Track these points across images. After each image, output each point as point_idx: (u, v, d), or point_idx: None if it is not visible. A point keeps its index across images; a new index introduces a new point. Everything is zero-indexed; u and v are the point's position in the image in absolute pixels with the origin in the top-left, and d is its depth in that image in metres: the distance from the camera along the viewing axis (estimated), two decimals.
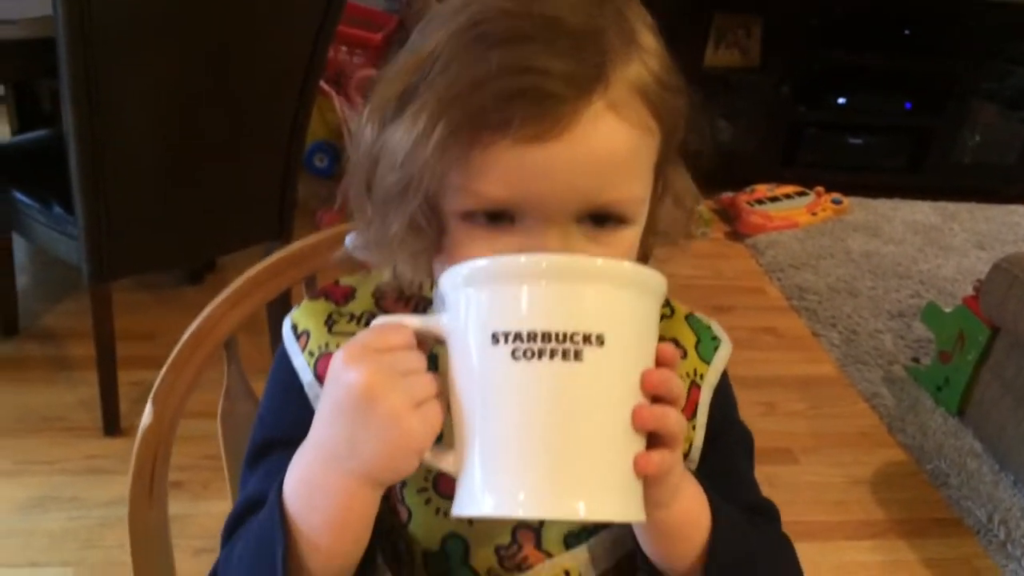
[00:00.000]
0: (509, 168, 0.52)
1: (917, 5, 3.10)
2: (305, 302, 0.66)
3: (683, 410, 0.59)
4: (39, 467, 1.71)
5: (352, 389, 0.49)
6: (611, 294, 0.48)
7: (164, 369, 0.63)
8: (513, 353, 0.47)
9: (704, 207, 2.86)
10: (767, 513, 0.68)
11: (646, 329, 0.51)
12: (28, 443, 1.76)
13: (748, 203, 2.97)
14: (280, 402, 0.64)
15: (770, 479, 1.93)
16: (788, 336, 2.44)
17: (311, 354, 0.63)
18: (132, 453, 0.67)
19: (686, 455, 0.63)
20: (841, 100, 3.16)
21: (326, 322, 0.63)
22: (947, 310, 2.16)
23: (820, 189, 3.11)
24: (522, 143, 0.51)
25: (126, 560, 0.82)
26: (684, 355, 0.66)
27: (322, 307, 0.65)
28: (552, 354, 0.47)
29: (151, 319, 2.04)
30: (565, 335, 0.47)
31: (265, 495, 0.55)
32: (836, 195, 3.11)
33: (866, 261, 2.79)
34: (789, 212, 2.98)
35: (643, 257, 0.65)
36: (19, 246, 2.00)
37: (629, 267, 0.50)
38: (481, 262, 0.49)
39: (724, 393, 0.67)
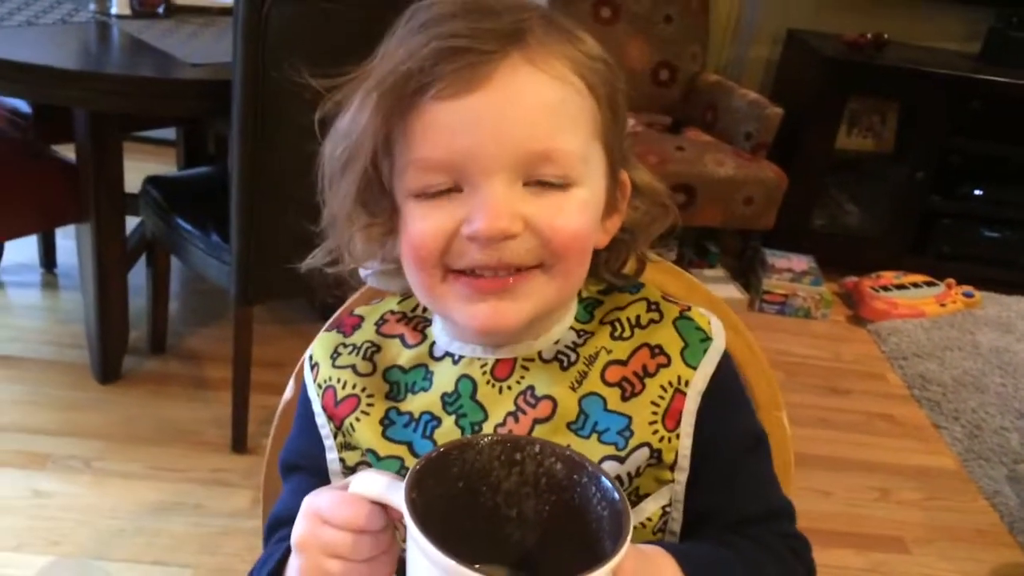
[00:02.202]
0: (439, 126, 0.57)
1: None
2: (322, 333, 0.72)
3: (666, 421, 0.62)
4: (170, 474, 1.84)
5: (293, 537, 0.56)
6: None
7: (305, 355, 0.71)
8: None
9: (825, 289, 2.84)
10: (780, 516, 0.68)
11: None
12: (163, 451, 1.89)
13: (873, 288, 2.92)
14: (299, 430, 0.71)
15: (879, 566, 1.87)
16: (907, 425, 2.37)
17: (319, 386, 0.68)
18: (273, 425, 0.76)
19: (673, 465, 0.64)
20: (978, 192, 3.08)
21: (332, 355, 0.69)
22: None
23: (951, 281, 3.03)
24: (447, 99, 0.56)
25: (241, 568, 0.89)
26: (668, 362, 0.65)
27: (332, 339, 0.70)
28: None
29: (284, 350, 2.17)
30: None
31: (291, 514, 0.60)
32: (968, 288, 3.02)
33: (996, 357, 2.69)
34: (916, 301, 2.91)
35: (635, 266, 0.69)
36: (172, 276, 2.18)
37: None
38: (425, 542, 0.47)
39: (720, 397, 0.65)
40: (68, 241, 2.33)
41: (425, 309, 0.70)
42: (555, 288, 0.61)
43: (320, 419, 0.67)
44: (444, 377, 0.66)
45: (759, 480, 0.68)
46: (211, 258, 1.78)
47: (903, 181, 3.06)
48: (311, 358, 0.70)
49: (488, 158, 0.57)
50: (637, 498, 0.65)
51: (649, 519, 0.65)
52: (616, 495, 0.51)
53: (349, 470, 0.67)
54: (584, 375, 0.64)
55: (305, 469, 0.69)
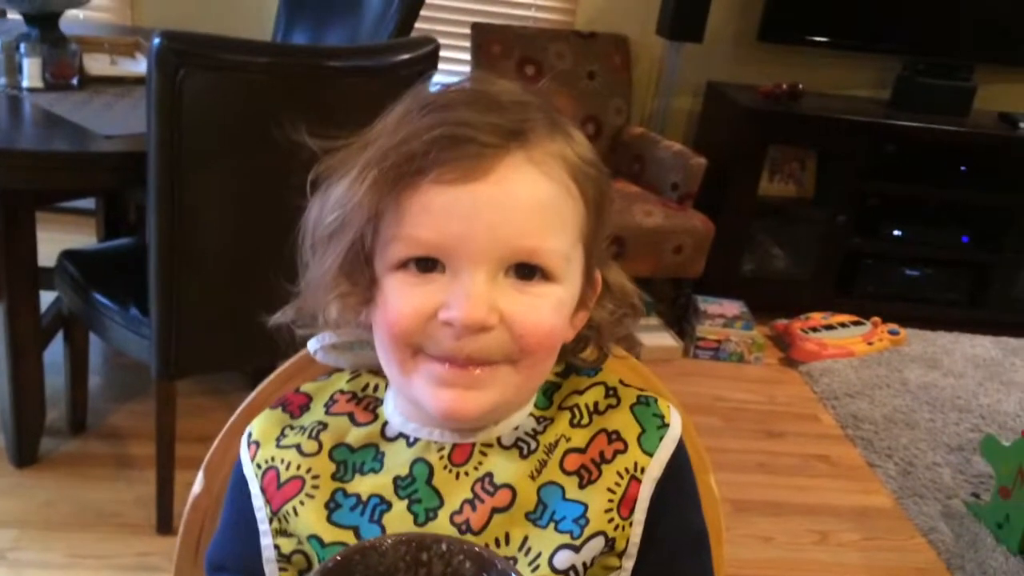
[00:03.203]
0: (435, 209, 0.57)
1: (972, 142, 3.15)
2: (266, 411, 0.69)
3: (621, 508, 0.62)
4: (91, 561, 1.75)
5: None
6: None
7: (216, 441, 0.68)
8: None
9: (757, 332, 2.88)
10: None
11: None
12: (83, 537, 1.81)
13: (802, 330, 2.97)
14: (228, 523, 0.68)
15: None
16: (842, 465, 2.40)
17: (259, 466, 0.66)
18: (182, 519, 0.72)
19: (623, 552, 0.63)
20: (897, 232, 3.18)
21: (277, 437, 0.67)
22: (1006, 444, 2.11)
23: (877, 319, 3.10)
24: (446, 184, 0.56)
25: None
26: (624, 448, 0.65)
27: (278, 419, 0.68)
28: None
29: (211, 422, 2.07)
30: None
31: None
32: (893, 326, 3.10)
33: (924, 393, 2.75)
34: (844, 341, 2.97)
35: (598, 355, 0.69)
36: (92, 349, 2.11)
37: None
38: None
39: (672, 486, 0.65)
40: None
41: (376, 388, 0.68)
42: (519, 380, 0.61)
43: (257, 501, 0.65)
44: (398, 459, 0.64)
45: None
46: (130, 333, 1.72)
47: (825, 225, 3.14)
48: (250, 435, 0.67)
49: (477, 248, 0.57)
50: None
51: None
52: None
53: (284, 558, 0.64)
54: (544, 463, 0.64)
55: (232, 570, 0.66)
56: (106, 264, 1.95)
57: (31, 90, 1.89)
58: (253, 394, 0.76)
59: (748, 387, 2.74)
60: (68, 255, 1.92)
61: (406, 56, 1.60)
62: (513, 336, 0.59)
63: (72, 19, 2.55)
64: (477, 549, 0.52)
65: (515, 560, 0.61)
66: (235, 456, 0.67)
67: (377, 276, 0.60)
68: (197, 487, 0.72)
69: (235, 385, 2.31)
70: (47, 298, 2.00)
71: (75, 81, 1.96)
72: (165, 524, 1.83)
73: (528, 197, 0.57)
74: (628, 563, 0.63)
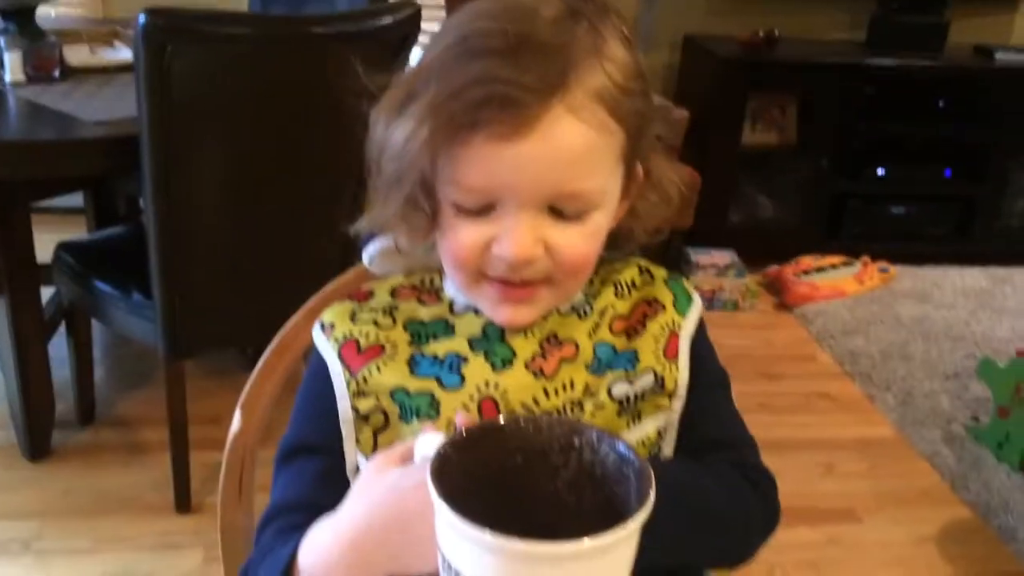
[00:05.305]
0: (485, 161, 0.63)
1: (948, 76, 3.18)
2: (334, 304, 0.75)
3: (666, 352, 0.71)
4: (115, 545, 1.78)
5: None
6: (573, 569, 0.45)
7: (251, 380, 0.70)
8: None
9: (749, 280, 2.91)
10: (737, 446, 0.76)
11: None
12: (105, 523, 1.83)
13: (794, 274, 3.00)
14: (308, 409, 0.73)
15: (834, 539, 1.91)
16: (843, 400, 2.44)
17: (336, 340, 0.72)
18: (223, 459, 0.74)
19: (672, 393, 0.72)
20: (881, 171, 3.21)
21: (351, 317, 0.73)
22: (1002, 365, 2.16)
23: (867, 259, 3.14)
24: (494, 140, 0.62)
25: None
26: (664, 309, 0.75)
27: (347, 306, 0.75)
28: None
29: (220, 403, 2.09)
30: None
31: (290, 501, 0.63)
32: (883, 263, 3.13)
33: (917, 326, 2.79)
34: (836, 282, 3.00)
35: (628, 238, 0.75)
36: (95, 342, 2.11)
37: (587, 547, 0.45)
38: (456, 522, 0.46)
39: (700, 342, 0.76)
40: None
41: (432, 281, 0.76)
42: (559, 293, 0.70)
43: (335, 367, 0.70)
44: (469, 327, 0.71)
45: (724, 413, 0.77)
46: (135, 317, 1.73)
47: (809, 169, 3.16)
48: (322, 323, 0.73)
49: (523, 194, 0.64)
50: (638, 420, 0.72)
51: (648, 437, 0.72)
52: (642, 473, 0.51)
53: (361, 419, 0.69)
54: (597, 325, 0.73)
55: (311, 451, 0.71)
56: (103, 253, 1.96)
57: (14, 84, 1.89)
58: (281, 333, 0.78)
59: (744, 333, 2.78)
60: (65, 247, 1.93)
61: (389, 20, 1.61)
62: (556, 262, 0.66)
63: (44, 17, 2.53)
64: (622, 446, 0.54)
65: (582, 404, 0.69)
66: (269, 393, 0.69)
67: (440, 205, 0.67)
68: (236, 425, 0.75)
69: (238, 367, 2.33)
70: (45, 295, 2.01)
71: (57, 73, 1.96)
72: (183, 503, 1.85)
73: (569, 148, 0.63)
74: (676, 404, 0.73)
